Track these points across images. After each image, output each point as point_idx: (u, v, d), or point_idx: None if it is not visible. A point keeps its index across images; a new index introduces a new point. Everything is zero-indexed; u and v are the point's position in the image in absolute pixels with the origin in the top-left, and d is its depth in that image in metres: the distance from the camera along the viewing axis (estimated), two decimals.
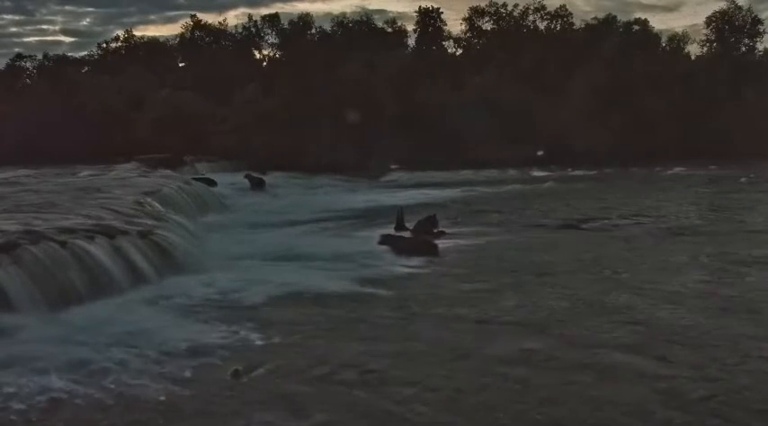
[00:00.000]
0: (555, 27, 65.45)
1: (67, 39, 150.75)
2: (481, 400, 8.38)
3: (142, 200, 21.20)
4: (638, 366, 9.29)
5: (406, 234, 19.62)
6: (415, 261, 16.29)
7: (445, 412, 8.06)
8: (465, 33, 66.02)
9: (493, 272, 15.40)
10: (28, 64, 71.01)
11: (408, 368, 9.41)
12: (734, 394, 8.37)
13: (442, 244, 18.35)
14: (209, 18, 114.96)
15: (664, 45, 63.95)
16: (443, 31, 66.08)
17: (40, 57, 70.78)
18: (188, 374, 9.21)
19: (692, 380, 8.77)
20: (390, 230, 19.96)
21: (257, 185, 36.89)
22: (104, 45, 71.20)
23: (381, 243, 17.38)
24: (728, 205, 27.26)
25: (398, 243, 17.41)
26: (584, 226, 22.49)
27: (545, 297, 13.05)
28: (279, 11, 78.15)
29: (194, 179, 33.47)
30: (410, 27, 66.22)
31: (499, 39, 62.91)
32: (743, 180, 36.96)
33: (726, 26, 61.69)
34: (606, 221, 23.32)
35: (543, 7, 65.21)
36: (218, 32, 68.17)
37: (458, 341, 10.54)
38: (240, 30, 68.19)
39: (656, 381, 8.75)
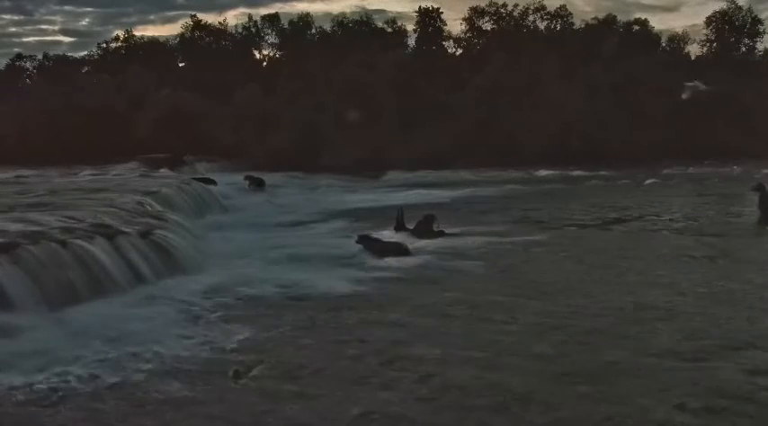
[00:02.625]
0: (555, 27, 65.55)
1: (66, 39, 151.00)
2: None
3: (142, 200, 21.19)
4: (711, 375, 8.87)
5: (407, 234, 19.66)
6: (418, 261, 16.29)
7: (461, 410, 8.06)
8: (465, 33, 66.11)
9: (496, 272, 15.41)
10: (28, 64, 71.27)
11: (409, 368, 9.40)
12: None
13: (443, 244, 18.39)
14: (209, 18, 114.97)
15: (664, 45, 64.01)
16: (443, 31, 66.15)
17: (39, 57, 71.01)
18: (188, 374, 9.19)
19: None
20: (390, 230, 20.01)
21: (257, 185, 36.87)
22: (104, 45, 71.35)
23: (358, 242, 17.54)
24: (733, 204, 27.15)
25: (373, 243, 17.55)
26: (587, 225, 22.47)
27: (560, 299, 12.90)
28: (278, 11, 78.08)
29: (194, 179, 33.45)
30: (410, 27, 66.36)
31: (499, 39, 62.90)
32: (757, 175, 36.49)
33: (726, 26, 61.74)
34: (609, 222, 23.28)
35: (543, 7, 65.41)
36: (218, 32, 68.19)
37: (471, 342, 10.53)
38: (240, 30, 68.31)
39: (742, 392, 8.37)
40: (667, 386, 8.54)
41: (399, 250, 17.29)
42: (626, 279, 14.53)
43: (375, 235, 18.54)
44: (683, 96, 37.18)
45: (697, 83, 37.59)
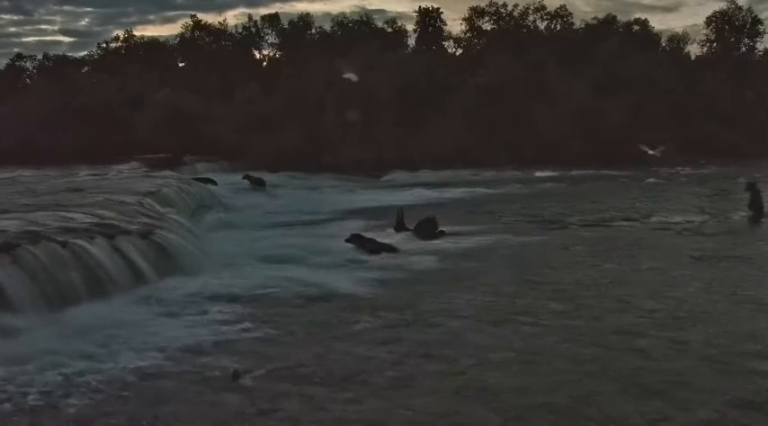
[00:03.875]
0: (555, 27, 65.46)
1: (66, 39, 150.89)
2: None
3: (142, 200, 21.16)
4: None
5: (407, 234, 19.67)
6: (418, 262, 16.30)
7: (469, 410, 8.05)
8: (465, 33, 66.00)
9: (495, 272, 15.39)
10: (28, 64, 71.13)
11: (412, 369, 9.39)
12: None
13: (444, 244, 18.40)
14: (209, 18, 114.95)
15: (664, 45, 63.98)
16: (443, 31, 66.10)
17: (39, 57, 70.94)
18: (188, 374, 9.20)
19: None
20: (390, 230, 20.01)
21: (257, 185, 36.83)
22: (104, 45, 71.21)
23: (348, 241, 17.75)
24: (732, 204, 27.07)
25: (365, 243, 17.70)
26: (589, 225, 22.36)
27: (573, 298, 12.86)
28: (278, 11, 77.86)
29: (194, 179, 33.43)
30: (410, 27, 66.29)
31: (499, 39, 62.85)
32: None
33: (726, 26, 61.67)
34: (610, 221, 23.21)
35: (543, 7, 65.24)
36: (218, 32, 68.08)
37: (472, 343, 10.50)
38: (240, 30, 68.14)
39: None
40: (701, 389, 8.53)
41: (390, 249, 17.48)
42: (635, 279, 14.57)
43: (371, 234, 18.59)
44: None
45: (351, 75, 38.01)
